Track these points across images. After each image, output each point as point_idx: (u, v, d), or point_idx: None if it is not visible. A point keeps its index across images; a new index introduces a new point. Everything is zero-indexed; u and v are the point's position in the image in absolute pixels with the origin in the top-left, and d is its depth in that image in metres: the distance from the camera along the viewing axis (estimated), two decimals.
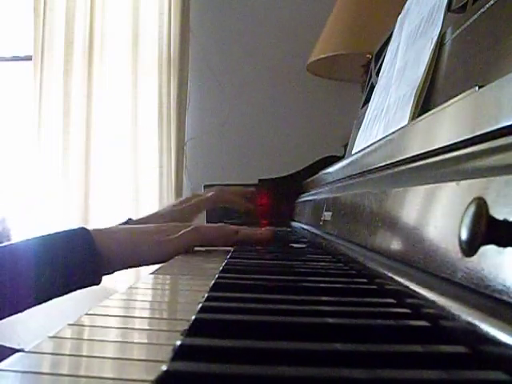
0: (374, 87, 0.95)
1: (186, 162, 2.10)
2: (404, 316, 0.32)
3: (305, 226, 1.05)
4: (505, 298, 0.23)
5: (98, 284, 0.69)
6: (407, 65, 0.72)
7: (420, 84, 0.62)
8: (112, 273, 0.73)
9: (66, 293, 0.66)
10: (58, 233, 0.69)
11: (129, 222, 1.00)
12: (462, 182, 0.30)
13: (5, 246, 0.66)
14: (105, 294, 0.64)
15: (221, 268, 0.53)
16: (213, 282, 0.43)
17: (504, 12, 0.47)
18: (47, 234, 0.69)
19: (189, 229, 0.74)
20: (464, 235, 0.25)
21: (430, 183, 0.36)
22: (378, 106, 0.84)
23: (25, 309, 0.64)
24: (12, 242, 0.67)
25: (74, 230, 0.69)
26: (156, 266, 0.65)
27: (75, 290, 0.67)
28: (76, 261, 0.65)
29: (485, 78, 0.46)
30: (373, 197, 0.50)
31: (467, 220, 0.25)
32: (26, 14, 2.19)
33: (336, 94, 2.00)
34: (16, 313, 0.63)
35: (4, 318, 0.63)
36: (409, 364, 0.24)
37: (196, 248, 0.78)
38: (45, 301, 0.65)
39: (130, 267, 0.74)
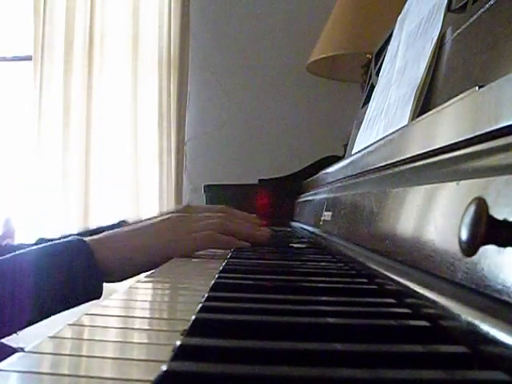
0: (373, 87, 0.95)
1: (185, 161, 2.10)
2: (404, 316, 0.32)
3: (305, 226, 1.05)
4: (505, 297, 0.23)
5: (98, 298, 0.66)
6: (407, 65, 0.72)
7: (420, 84, 0.62)
8: (115, 282, 0.70)
9: (67, 309, 0.64)
10: (54, 246, 0.65)
11: (122, 224, 0.90)
12: (462, 182, 0.30)
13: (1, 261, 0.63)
14: (105, 293, 0.64)
15: (221, 268, 0.53)
16: (213, 282, 0.42)
17: (504, 12, 0.47)
18: (40, 246, 0.66)
19: (203, 234, 0.71)
20: (464, 235, 0.25)
21: (430, 183, 0.36)
22: (377, 106, 0.84)
23: (23, 327, 0.61)
24: (4, 256, 0.63)
25: (71, 242, 0.66)
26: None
27: (76, 305, 0.64)
28: (76, 276, 0.63)
29: (485, 78, 0.46)
30: (373, 197, 0.50)
31: (467, 220, 0.25)
32: (26, 13, 2.19)
33: (336, 94, 2.00)
34: (13, 332, 0.61)
35: (1, 337, 0.61)
36: (409, 364, 0.24)
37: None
38: (44, 318, 0.62)
39: (139, 273, 0.70)
